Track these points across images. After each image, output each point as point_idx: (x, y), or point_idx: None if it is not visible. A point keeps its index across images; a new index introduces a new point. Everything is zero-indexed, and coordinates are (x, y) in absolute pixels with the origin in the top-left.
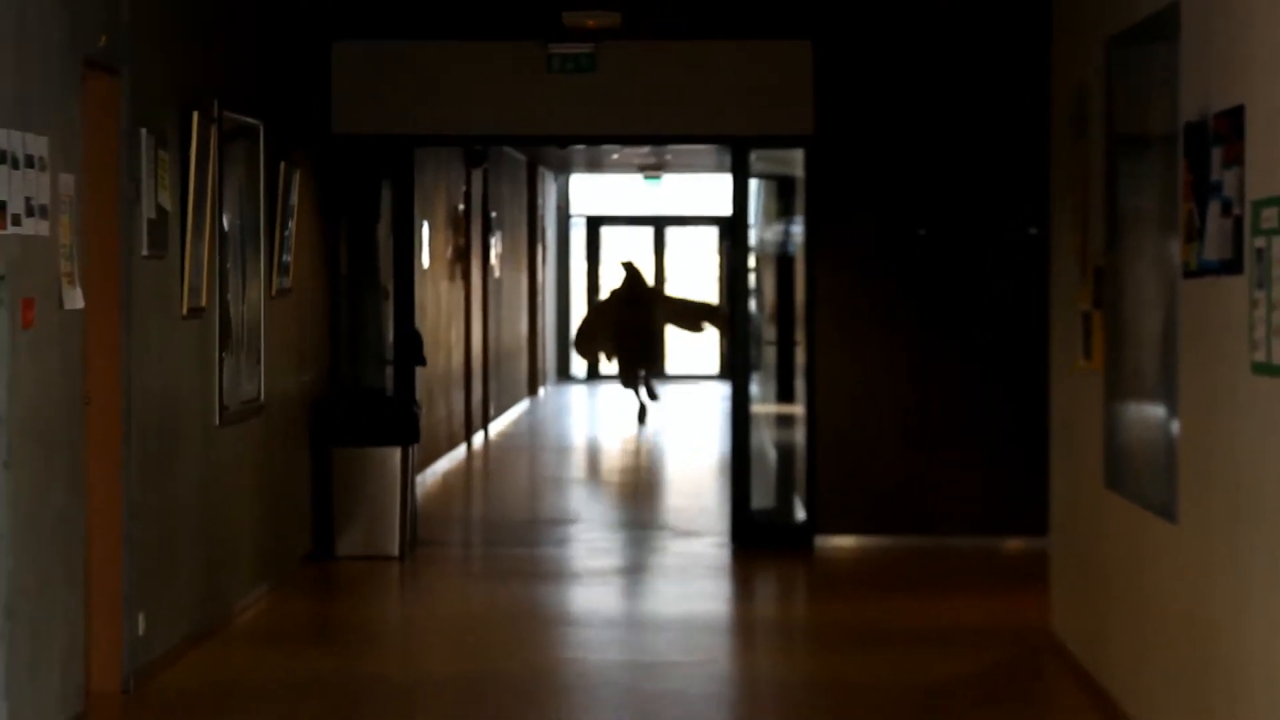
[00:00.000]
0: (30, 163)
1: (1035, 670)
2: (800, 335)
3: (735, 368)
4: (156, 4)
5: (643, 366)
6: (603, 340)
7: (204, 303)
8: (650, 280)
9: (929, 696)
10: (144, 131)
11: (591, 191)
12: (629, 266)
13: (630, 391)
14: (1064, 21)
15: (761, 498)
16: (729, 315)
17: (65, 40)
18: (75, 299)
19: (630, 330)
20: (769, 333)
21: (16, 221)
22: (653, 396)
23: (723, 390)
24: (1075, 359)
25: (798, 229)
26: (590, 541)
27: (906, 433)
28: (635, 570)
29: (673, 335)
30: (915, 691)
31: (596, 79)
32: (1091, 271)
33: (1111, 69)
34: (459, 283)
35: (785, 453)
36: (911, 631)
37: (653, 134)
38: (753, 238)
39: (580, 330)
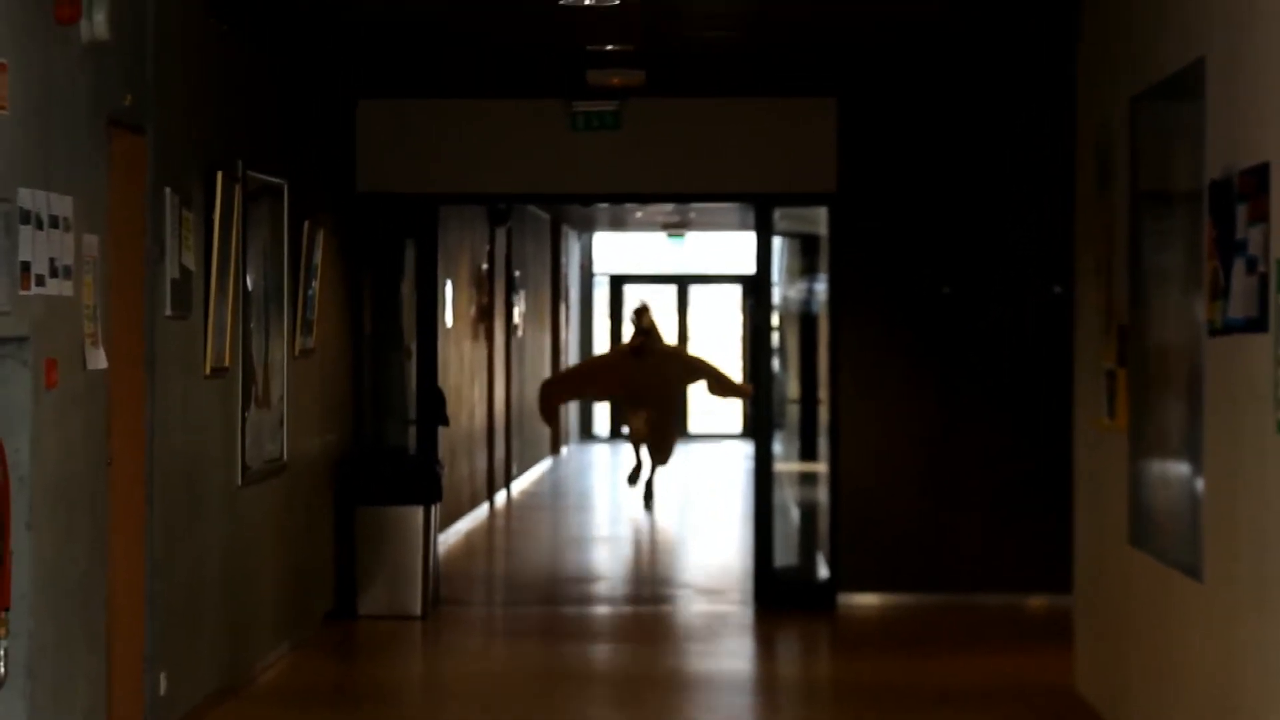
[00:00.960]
0: (55, 223)
1: None
2: (823, 393)
3: (758, 426)
4: (181, 64)
5: (651, 440)
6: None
7: (227, 362)
8: (667, 336)
9: None
10: (168, 191)
11: (615, 250)
12: (642, 313)
13: (637, 460)
14: (1088, 79)
15: (784, 556)
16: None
17: (90, 100)
18: (99, 359)
19: (640, 393)
20: (792, 391)
21: (40, 282)
22: (648, 498)
23: (745, 448)
24: (1099, 417)
25: (821, 287)
26: (613, 600)
27: (930, 490)
28: (658, 629)
29: (696, 394)
30: None
31: (620, 137)
32: (1116, 329)
33: (1136, 126)
34: (482, 341)
35: (808, 511)
36: (935, 690)
37: (676, 192)
38: (776, 296)
39: (551, 380)
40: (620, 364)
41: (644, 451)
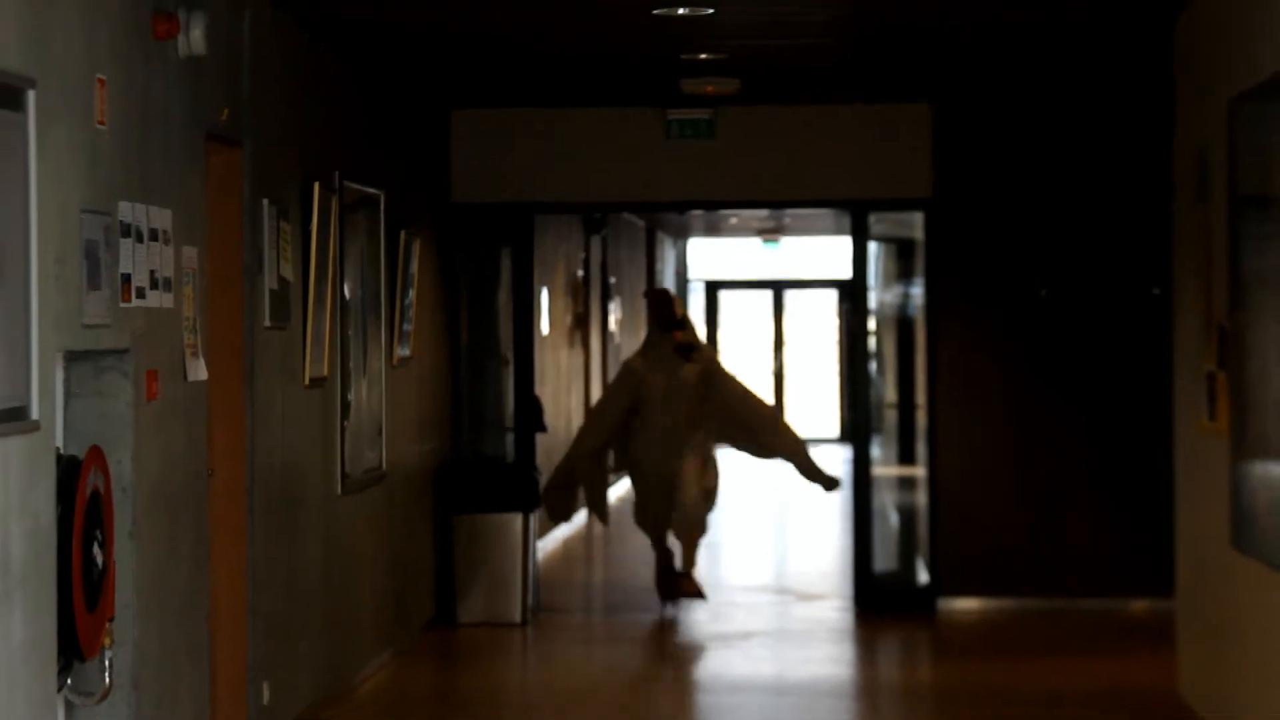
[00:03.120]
0: (154, 236)
1: None
2: (921, 397)
3: (856, 429)
4: (276, 78)
5: (694, 498)
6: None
7: (326, 372)
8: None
9: None
10: (266, 203)
11: (710, 256)
12: (669, 301)
13: (654, 539)
14: (1186, 81)
15: (884, 560)
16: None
17: (188, 114)
18: (199, 370)
19: (664, 420)
20: (889, 395)
21: (141, 294)
22: (686, 568)
23: (843, 453)
24: (1200, 419)
25: (917, 291)
26: (712, 606)
27: (1029, 494)
28: (758, 634)
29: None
30: None
31: (715, 144)
32: (1216, 331)
33: (1235, 129)
34: (579, 349)
35: (907, 515)
36: (1037, 695)
37: (771, 198)
38: (872, 300)
39: (567, 461)
40: (654, 374)
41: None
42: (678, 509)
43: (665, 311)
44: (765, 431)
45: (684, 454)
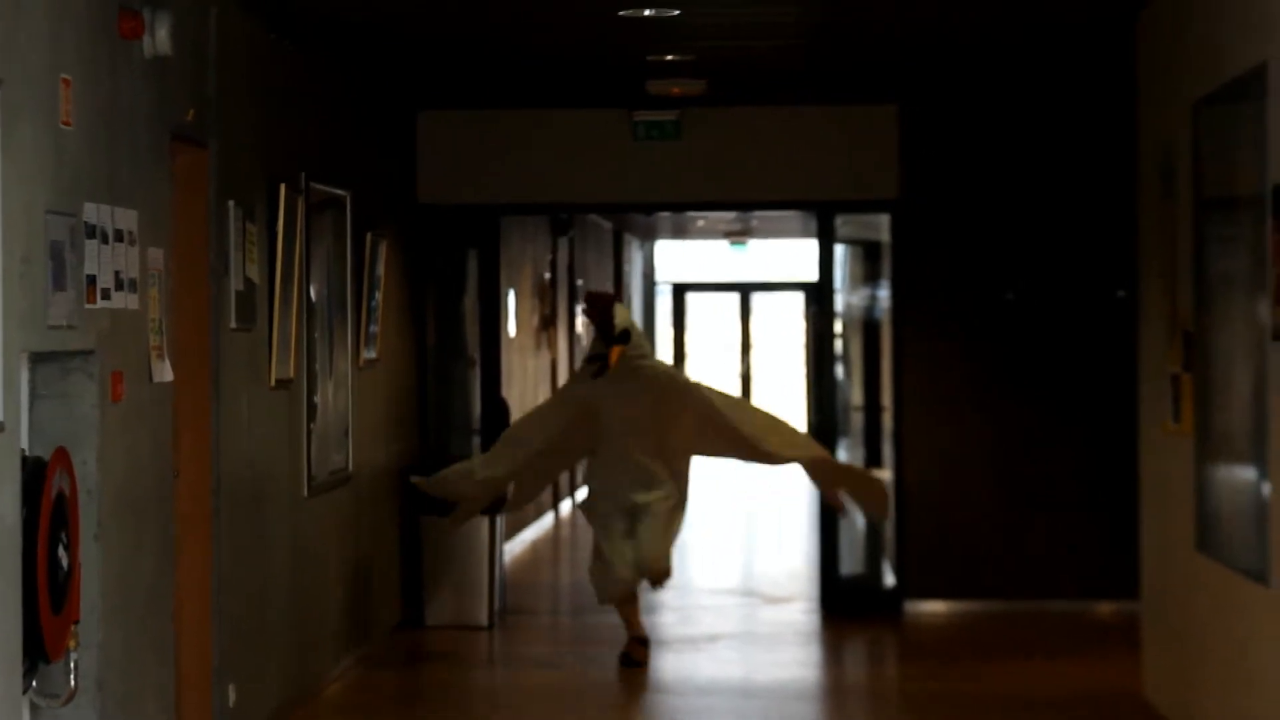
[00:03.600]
0: (119, 237)
1: None
2: (887, 400)
3: (822, 432)
4: (243, 78)
5: (651, 533)
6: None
7: (292, 374)
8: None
9: None
10: (232, 204)
11: (677, 258)
12: (605, 306)
13: (610, 582)
14: (1150, 84)
15: (850, 563)
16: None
17: (153, 115)
18: (164, 372)
19: (620, 440)
20: (855, 397)
21: (106, 295)
22: (658, 578)
23: None
24: (1164, 421)
25: (884, 293)
26: (679, 608)
27: (995, 496)
28: (725, 637)
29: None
30: None
31: (681, 146)
32: (1180, 334)
33: (1198, 131)
34: (546, 351)
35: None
36: (1004, 698)
37: (738, 200)
38: (839, 303)
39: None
40: (578, 401)
41: (623, 563)
42: (637, 561)
43: (604, 321)
44: (769, 436)
45: (651, 490)
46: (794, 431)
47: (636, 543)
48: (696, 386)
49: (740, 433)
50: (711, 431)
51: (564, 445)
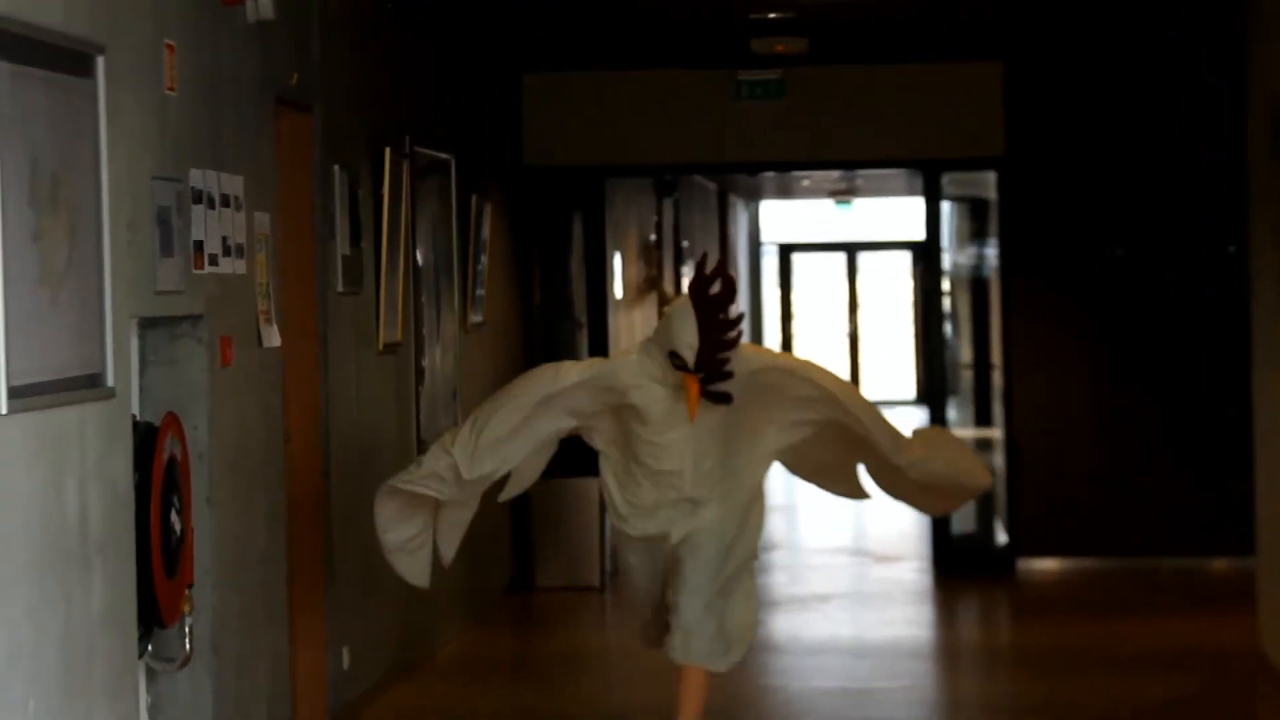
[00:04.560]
0: (225, 202)
1: (1247, 693)
2: (997, 358)
3: (931, 391)
4: (346, 42)
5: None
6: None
7: (399, 338)
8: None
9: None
10: (337, 168)
11: (782, 218)
12: (726, 289)
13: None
14: (1260, 32)
15: (962, 522)
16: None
17: (257, 80)
18: (273, 336)
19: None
20: (965, 356)
21: (214, 261)
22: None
23: (919, 415)
24: (1279, 375)
25: (992, 251)
26: (790, 568)
27: (1107, 453)
28: (836, 597)
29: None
30: (1126, 715)
31: (785, 105)
32: None
33: None
34: (652, 312)
35: None
36: (1118, 654)
37: (843, 159)
38: (946, 261)
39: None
40: (618, 393)
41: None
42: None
43: (715, 326)
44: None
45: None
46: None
47: (719, 608)
48: (801, 366)
49: (871, 437)
50: (818, 435)
51: (584, 429)
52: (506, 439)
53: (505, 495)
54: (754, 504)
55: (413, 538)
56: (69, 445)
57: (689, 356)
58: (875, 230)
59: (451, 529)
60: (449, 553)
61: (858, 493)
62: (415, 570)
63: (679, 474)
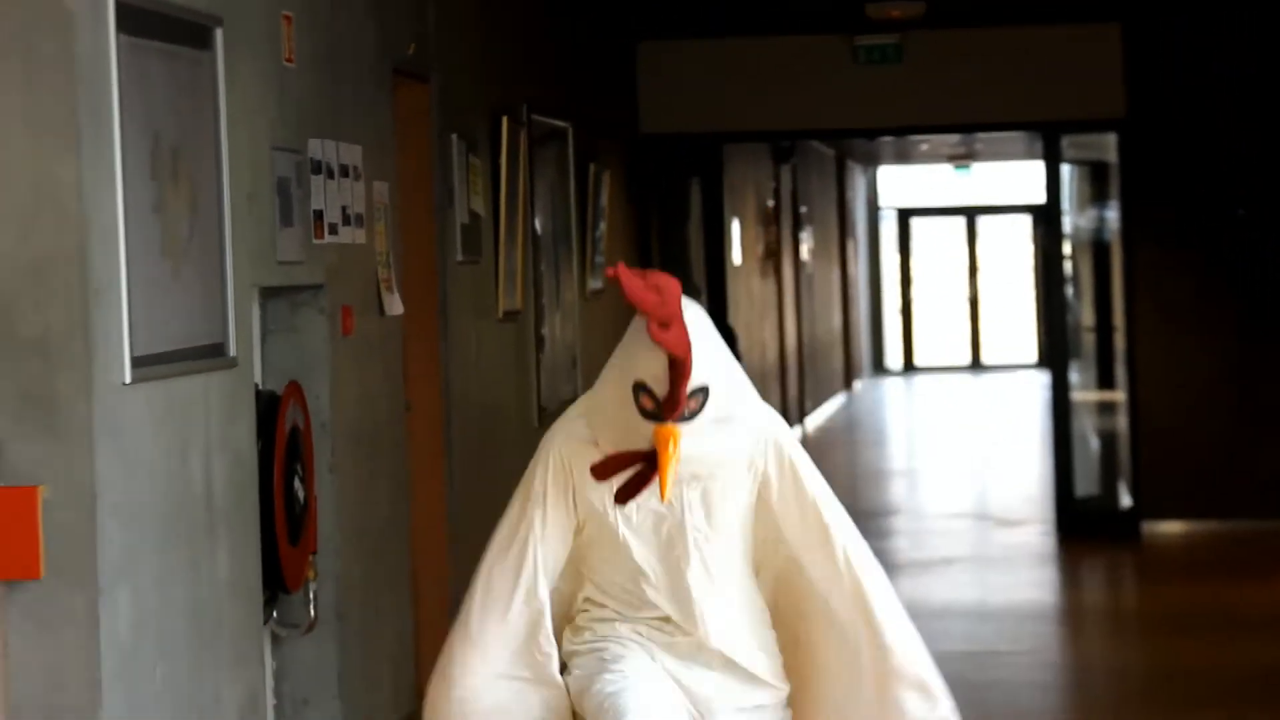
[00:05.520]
0: (344, 172)
1: None
2: (1119, 321)
3: (1054, 354)
4: (462, 11)
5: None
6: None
7: (519, 305)
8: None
9: (1267, 681)
10: (454, 138)
11: (900, 183)
12: (666, 296)
13: None
14: None
15: (1085, 485)
16: None
17: (375, 50)
18: (394, 305)
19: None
20: (1087, 319)
21: (334, 230)
22: None
23: (1040, 378)
24: None
25: (1113, 214)
26: (911, 533)
27: (1231, 414)
28: (959, 560)
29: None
30: (1253, 677)
31: (902, 70)
32: None
33: None
34: (771, 278)
35: (1108, 439)
36: (1244, 617)
37: (961, 123)
38: (1067, 224)
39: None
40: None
41: None
42: None
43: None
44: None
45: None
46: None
47: None
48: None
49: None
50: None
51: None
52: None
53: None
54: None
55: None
56: (193, 414)
57: (659, 389)
58: (995, 194)
59: None
60: None
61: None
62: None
63: (645, 577)
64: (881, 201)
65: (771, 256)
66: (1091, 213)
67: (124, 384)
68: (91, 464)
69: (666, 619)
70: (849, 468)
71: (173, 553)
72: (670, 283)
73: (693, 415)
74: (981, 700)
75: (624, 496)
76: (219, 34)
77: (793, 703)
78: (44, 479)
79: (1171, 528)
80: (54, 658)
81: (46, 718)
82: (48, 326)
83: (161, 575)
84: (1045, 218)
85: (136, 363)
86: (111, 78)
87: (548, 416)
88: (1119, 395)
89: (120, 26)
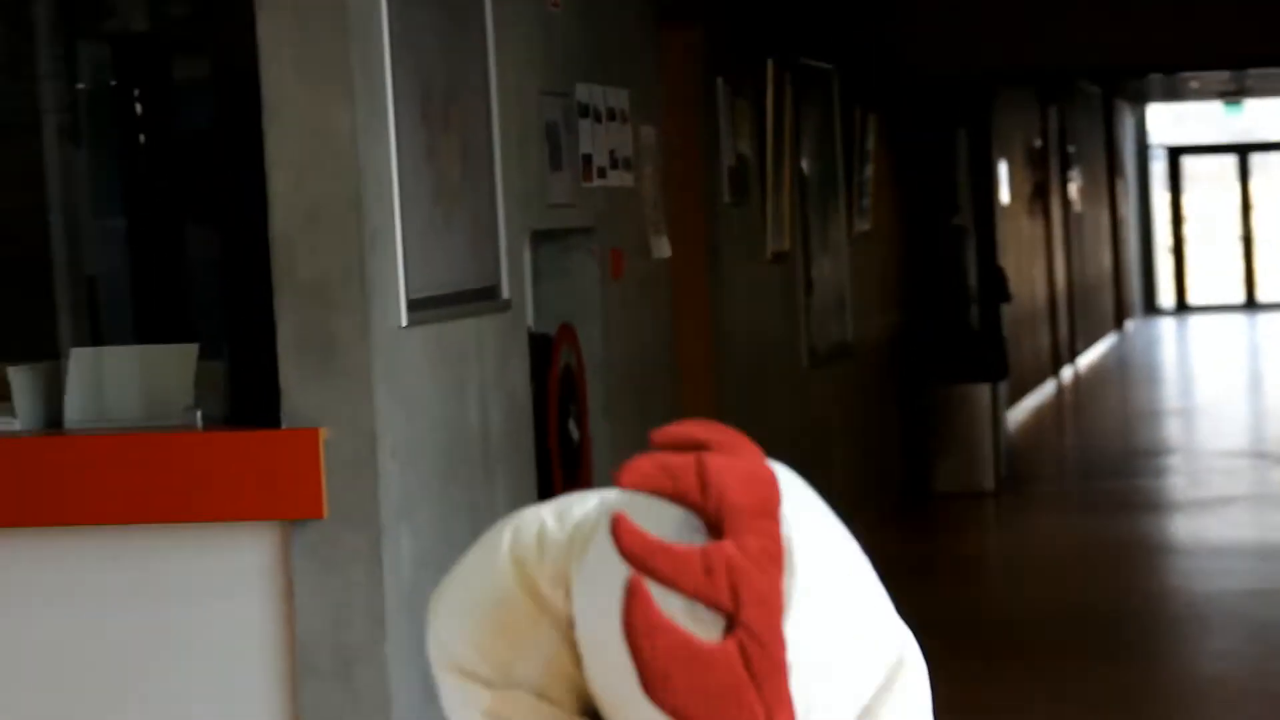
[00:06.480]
0: (612, 115)
1: None
2: None
3: None
4: None
5: None
6: None
7: (787, 247)
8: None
9: None
10: (720, 81)
11: (1170, 121)
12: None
13: None
14: None
15: None
16: None
17: None
18: (663, 248)
19: None
20: None
21: (602, 174)
22: None
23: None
24: None
25: None
26: (1189, 472)
27: None
28: (1238, 499)
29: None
30: None
31: (1171, 3)
32: None
33: None
34: (1039, 219)
35: None
36: None
37: (1234, 57)
38: None
39: None
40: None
41: None
42: None
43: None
44: None
45: None
46: None
47: None
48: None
49: None
50: None
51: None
52: None
53: None
54: None
55: None
56: (468, 356)
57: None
58: (1268, 131)
59: None
60: None
61: None
62: None
63: None
64: (1151, 140)
65: (1039, 197)
66: None
67: (400, 327)
68: (371, 406)
69: None
70: (1122, 407)
71: (452, 492)
72: (738, 505)
73: None
74: (1267, 638)
75: None
76: None
77: None
78: (325, 422)
79: None
80: (339, 596)
81: (334, 653)
82: (325, 270)
83: (441, 514)
84: None
85: (412, 306)
86: (383, 26)
87: (819, 357)
88: None
89: None
